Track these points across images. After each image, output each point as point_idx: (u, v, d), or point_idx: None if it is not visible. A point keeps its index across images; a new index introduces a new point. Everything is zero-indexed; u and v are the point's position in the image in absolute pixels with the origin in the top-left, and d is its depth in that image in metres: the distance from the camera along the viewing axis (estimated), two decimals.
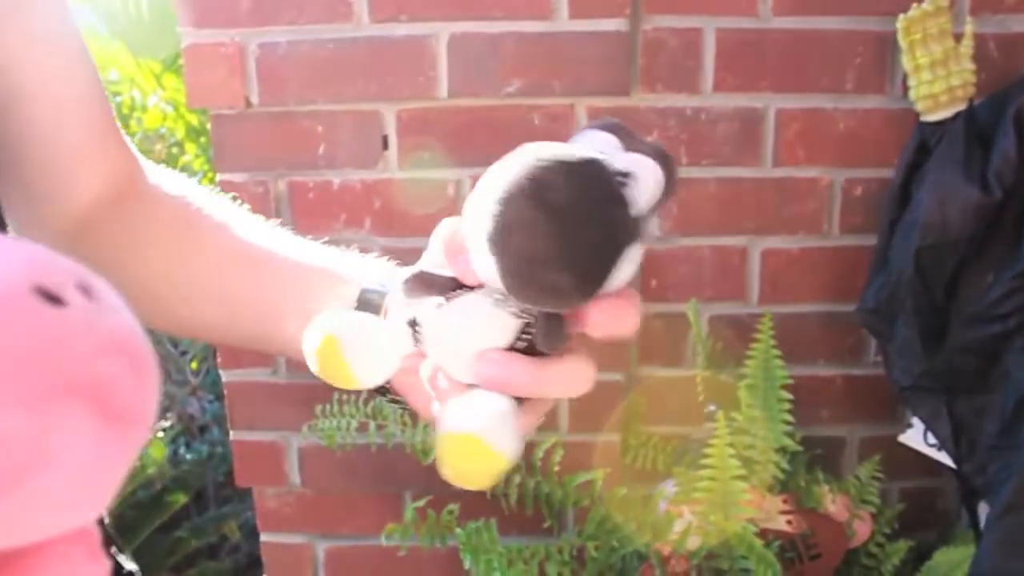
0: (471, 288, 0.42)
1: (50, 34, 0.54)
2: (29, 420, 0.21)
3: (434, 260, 0.45)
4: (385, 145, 1.32)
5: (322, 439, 1.34)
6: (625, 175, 0.38)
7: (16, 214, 0.56)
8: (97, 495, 0.24)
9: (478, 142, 1.31)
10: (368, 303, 0.50)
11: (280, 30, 1.28)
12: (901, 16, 1.20)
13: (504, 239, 0.37)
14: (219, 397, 2.20)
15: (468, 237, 0.39)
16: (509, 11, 1.26)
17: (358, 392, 1.36)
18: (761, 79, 1.30)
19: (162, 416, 2.16)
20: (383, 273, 0.52)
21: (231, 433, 1.47)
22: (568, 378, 0.42)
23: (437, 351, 0.42)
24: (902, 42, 1.20)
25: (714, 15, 1.28)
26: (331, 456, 1.42)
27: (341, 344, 0.41)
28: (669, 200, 0.40)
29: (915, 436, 1.31)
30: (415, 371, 0.44)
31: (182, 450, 2.18)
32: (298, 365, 1.39)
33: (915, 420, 1.30)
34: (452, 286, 0.42)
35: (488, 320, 0.41)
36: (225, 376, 1.44)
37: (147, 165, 0.61)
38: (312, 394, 1.39)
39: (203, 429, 2.23)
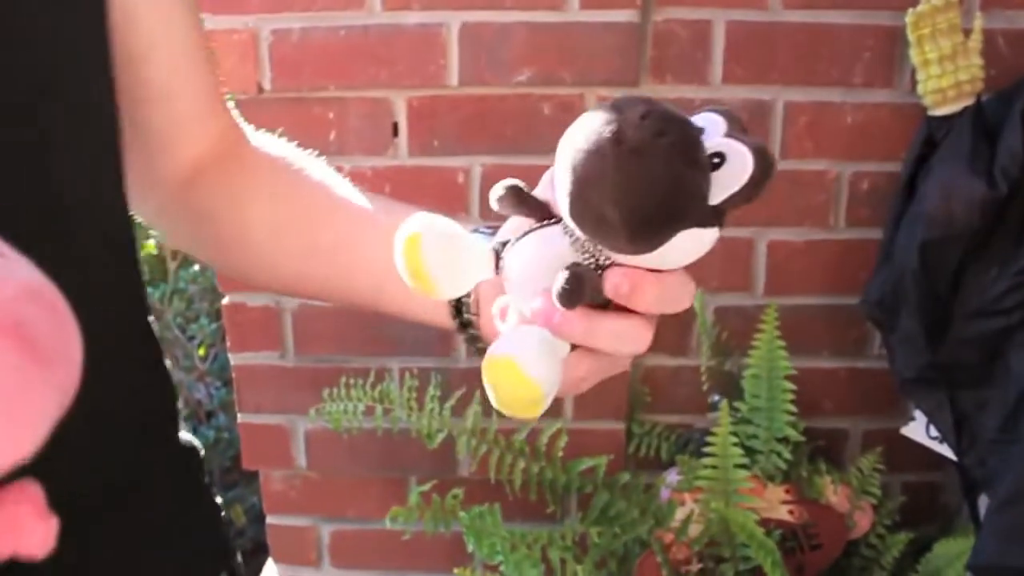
0: (557, 220, 0.42)
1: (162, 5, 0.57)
2: None
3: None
4: (395, 132, 1.33)
5: (329, 423, 1.35)
6: (718, 155, 0.38)
7: (130, 166, 0.59)
8: (25, 427, 0.25)
9: (488, 131, 1.32)
10: None
11: (293, 17, 1.29)
12: (910, 11, 1.20)
13: (573, 160, 0.38)
14: (226, 383, 2.22)
15: (556, 161, 0.40)
16: (521, 2, 1.26)
17: (365, 375, 1.37)
18: (770, 71, 1.31)
19: None
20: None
21: (239, 416, 1.49)
22: (619, 333, 0.42)
23: (509, 280, 0.43)
24: (911, 36, 1.21)
25: (724, 7, 1.29)
26: (337, 440, 1.43)
27: (424, 244, 0.42)
28: (753, 197, 0.39)
29: (917, 429, 1.32)
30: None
31: (189, 435, 2.19)
32: (306, 348, 1.40)
33: (917, 413, 1.31)
34: (542, 211, 0.43)
35: (557, 257, 0.41)
36: (233, 359, 1.46)
37: (248, 128, 0.65)
38: (319, 378, 1.41)
39: (210, 415, 2.25)
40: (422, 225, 0.42)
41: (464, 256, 0.43)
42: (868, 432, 1.47)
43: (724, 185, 0.38)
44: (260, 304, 1.42)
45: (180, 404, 2.17)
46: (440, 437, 1.33)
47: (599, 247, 0.41)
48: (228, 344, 1.45)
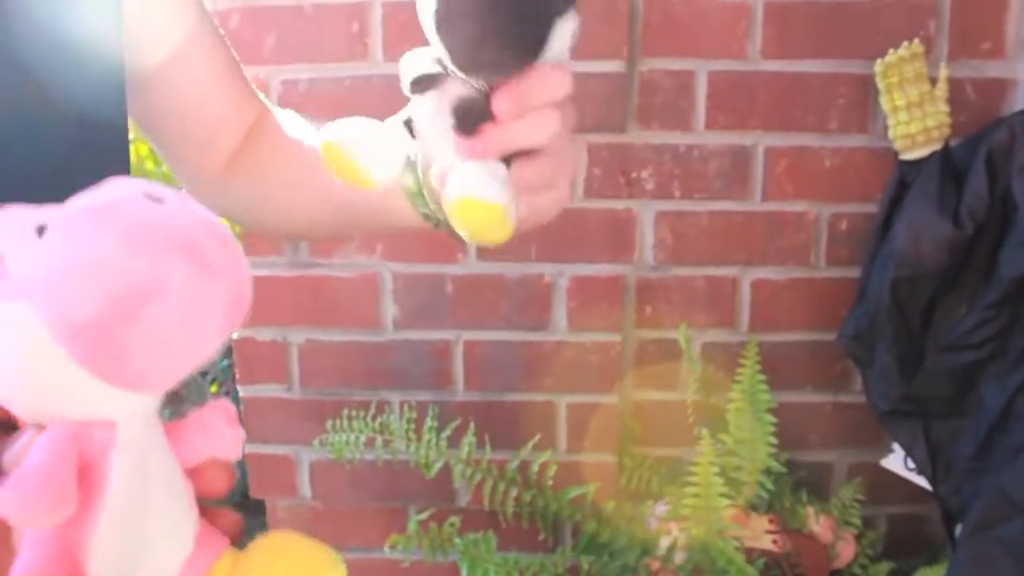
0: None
1: (185, 14, 0.66)
2: (145, 264, 0.30)
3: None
4: None
5: (332, 453, 1.41)
6: None
7: (174, 164, 0.70)
8: (201, 332, 0.32)
9: None
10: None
11: (302, 67, 1.38)
12: (878, 61, 1.27)
13: (446, 26, 0.43)
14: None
15: (423, 23, 0.44)
16: None
17: (366, 407, 1.44)
18: (751, 118, 1.38)
19: None
20: None
21: (245, 446, 1.55)
22: (530, 123, 0.47)
23: (426, 138, 0.48)
24: (880, 85, 1.28)
25: (706, 58, 1.36)
26: (340, 470, 1.49)
27: (342, 147, 0.48)
28: None
29: (896, 460, 1.36)
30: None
31: None
32: (311, 381, 1.47)
33: (896, 445, 1.36)
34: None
35: (452, 101, 0.46)
36: (242, 391, 1.52)
37: (270, 106, 0.74)
38: (323, 410, 1.47)
39: None
40: (334, 134, 0.48)
41: (381, 141, 0.48)
42: (853, 465, 1.51)
43: None
44: (268, 339, 1.49)
45: None
46: (437, 467, 1.38)
47: (481, 81, 0.45)
48: (237, 376, 1.52)
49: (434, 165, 0.49)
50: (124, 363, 0.31)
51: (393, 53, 1.36)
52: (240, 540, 0.39)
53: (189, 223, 0.32)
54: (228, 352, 2.33)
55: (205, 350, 0.32)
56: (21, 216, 0.32)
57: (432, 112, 0.47)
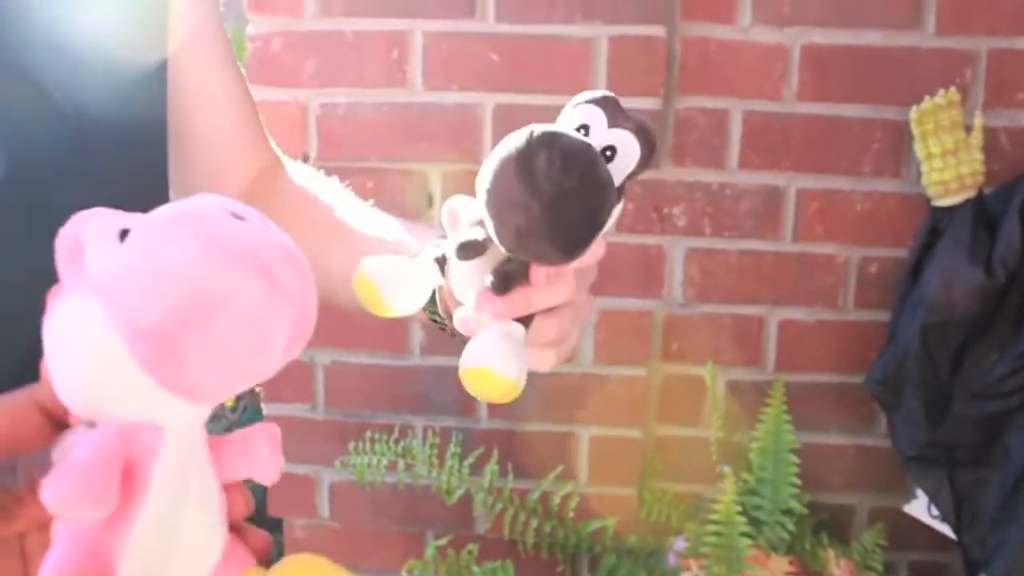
0: None
1: (206, 50, 0.66)
2: (218, 275, 0.31)
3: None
4: (430, 203, 1.42)
5: (353, 475, 1.42)
6: (609, 148, 0.46)
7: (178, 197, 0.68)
8: (262, 349, 0.33)
9: None
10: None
11: (341, 92, 1.40)
12: (914, 107, 1.28)
13: (501, 214, 0.45)
14: None
15: (479, 204, 0.46)
16: (550, 86, 1.36)
17: (389, 430, 1.44)
18: (784, 159, 1.39)
19: None
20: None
21: None
22: (553, 290, 0.49)
23: (457, 285, 0.50)
24: (915, 131, 1.28)
25: (742, 98, 1.37)
26: (360, 492, 1.49)
27: (372, 278, 0.50)
28: (646, 169, 0.48)
29: (919, 507, 1.36)
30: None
31: None
32: (335, 402, 1.48)
33: (919, 491, 1.35)
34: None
35: (488, 262, 0.48)
36: (266, 409, 1.53)
37: (282, 158, 0.74)
38: (346, 431, 1.48)
39: None
40: (367, 264, 0.50)
41: (409, 276, 0.50)
42: (874, 509, 1.50)
43: (620, 169, 0.46)
44: (294, 358, 1.49)
45: None
46: (458, 494, 1.38)
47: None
48: (262, 394, 1.53)
49: (458, 309, 0.51)
50: (183, 370, 0.31)
51: (432, 82, 1.38)
52: (268, 559, 0.39)
53: (267, 243, 0.33)
54: None
55: (265, 369, 0.33)
56: (109, 219, 0.33)
57: (469, 266, 0.49)
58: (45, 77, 0.52)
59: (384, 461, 1.42)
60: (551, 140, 0.44)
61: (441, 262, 0.50)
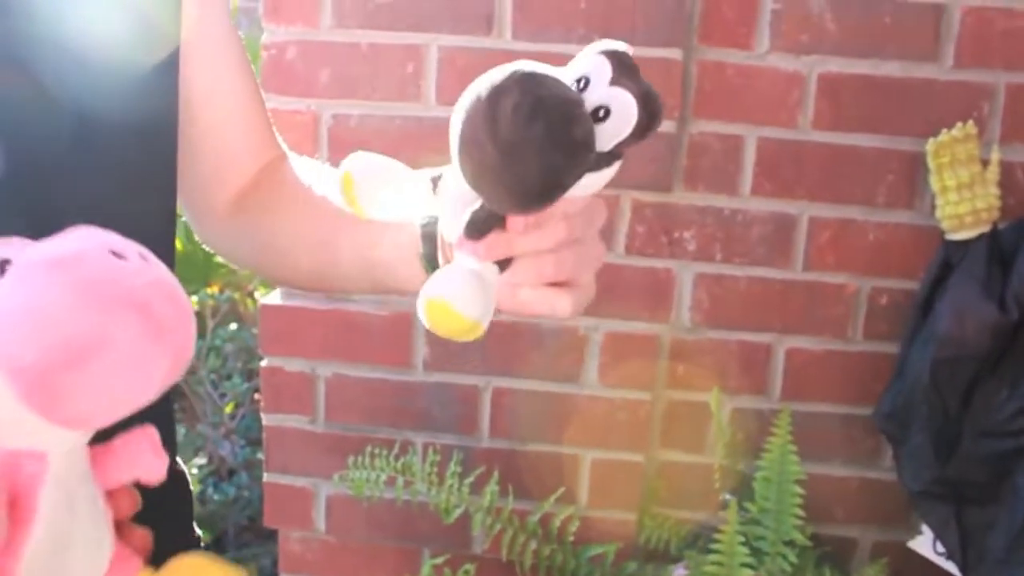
0: None
1: (214, 43, 0.66)
2: (96, 318, 0.31)
3: None
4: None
5: (351, 489, 1.40)
6: (603, 108, 0.43)
7: (187, 196, 0.68)
8: (141, 385, 0.33)
9: None
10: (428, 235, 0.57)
11: (354, 103, 1.39)
12: (931, 140, 1.27)
13: (460, 149, 0.42)
14: (251, 443, 2.27)
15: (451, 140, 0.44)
16: None
17: (390, 446, 1.43)
18: (797, 187, 1.38)
19: (195, 455, 2.24)
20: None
21: (265, 475, 1.54)
22: (536, 240, 0.47)
23: (444, 214, 0.48)
24: (931, 164, 1.27)
25: (757, 124, 1.36)
26: (357, 507, 1.48)
27: (352, 173, 0.48)
28: (645, 138, 0.44)
29: (924, 543, 1.34)
30: None
31: (210, 490, 2.24)
32: (336, 416, 1.46)
33: (925, 527, 1.34)
34: None
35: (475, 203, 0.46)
36: (266, 420, 1.52)
37: (289, 154, 0.74)
38: (346, 445, 1.46)
39: (232, 473, 2.30)
40: (354, 158, 0.48)
41: (396, 184, 0.48)
42: (877, 543, 1.48)
43: (613, 133, 0.43)
44: (297, 370, 1.48)
45: (204, 460, 2.23)
46: (457, 513, 1.37)
47: None
48: (262, 405, 1.52)
49: (446, 242, 0.49)
50: (63, 405, 0.32)
51: (446, 97, 1.37)
52: (150, 554, 0.40)
53: (145, 282, 0.33)
54: (250, 375, 2.33)
55: (145, 398, 0.34)
56: None
57: (454, 197, 0.47)
58: (48, 74, 0.52)
59: (383, 476, 1.40)
60: (527, 84, 0.41)
61: (436, 180, 0.48)
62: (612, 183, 1.42)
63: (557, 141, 0.41)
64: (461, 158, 0.43)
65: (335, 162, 1.45)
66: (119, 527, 0.39)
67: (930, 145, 1.28)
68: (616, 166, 0.45)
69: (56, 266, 0.32)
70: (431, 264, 0.55)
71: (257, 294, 2.25)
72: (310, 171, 0.72)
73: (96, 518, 0.36)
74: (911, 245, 1.37)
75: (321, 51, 1.39)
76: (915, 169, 1.35)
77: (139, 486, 0.59)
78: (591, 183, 0.45)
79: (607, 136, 0.43)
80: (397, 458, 1.40)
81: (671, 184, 1.38)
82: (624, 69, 0.43)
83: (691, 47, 1.35)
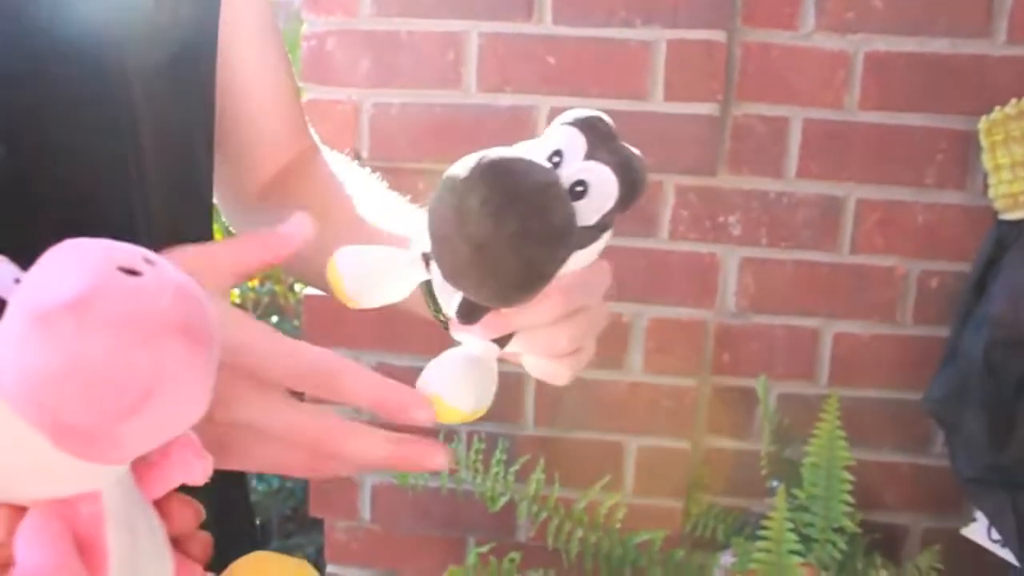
0: None
1: (258, 40, 0.66)
2: (144, 359, 0.29)
3: None
4: None
5: (395, 478, 1.40)
6: (580, 184, 0.40)
7: (219, 183, 0.68)
8: (196, 403, 0.32)
9: None
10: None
11: (394, 92, 1.39)
12: (983, 118, 1.24)
13: (432, 248, 0.40)
14: None
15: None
16: (608, 90, 1.34)
17: (434, 435, 1.43)
18: (844, 169, 1.35)
19: None
20: None
21: None
22: (529, 315, 0.44)
23: (438, 287, 0.45)
24: (984, 142, 1.25)
25: (802, 105, 1.34)
26: (402, 495, 1.48)
27: (339, 267, 0.46)
28: (629, 208, 0.41)
29: (979, 530, 1.31)
30: None
31: (254, 480, 2.26)
32: None
33: (979, 514, 1.31)
34: None
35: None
36: None
37: (317, 143, 0.74)
38: None
39: None
40: (340, 253, 0.46)
41: (387, 270, 0.46)
42: (928, 530, 1.46)
43: (595, 208, 0.41)
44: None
45: None
46: (502, 501, 1.36)
47: None
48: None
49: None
50: (121, 451, 0.31)
51: (487, 84, 1.36)
52: (210, 557, 0.39)
53: (171, 296, 0.31)
54: None
55: (201, 412, 0.32)
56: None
57: (441, 282, 0.44)
58: (90, 49, 0.51)
59: None
60: (495, 176, 0.38)
61: (428, 257, 0.45)
62: (655, 167, 1.40)
63: (533, 234, 0.38)
64: (435, 254, 0.41)
65: (376, 152, 1.46)
66: (177, 538, 0.38)
67: (983, 123, 1.25)
68: (607, 235, 0.42)
69: (79, 308, 0.29)
70: (430, 299, 0.53)
71: (297, 287, 2.26)
72: (340, 168, 0.71)
73: (154, 537, 0.36)
74: (962, 226, 1.35)
75: (360, 40, 1.39)
76: (966, 148, 1.32)
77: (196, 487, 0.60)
78: (581, 259, 0.42)
79: (589, 212, 0.41)
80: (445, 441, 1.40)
81: (715, 168, 1.36)
82: (598, 139, 0.41)
83: (735, 28, 1.33)
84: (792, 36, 1.33)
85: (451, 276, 0.40)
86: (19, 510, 0.32)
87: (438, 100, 1.38)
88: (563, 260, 0.41)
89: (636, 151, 0.43)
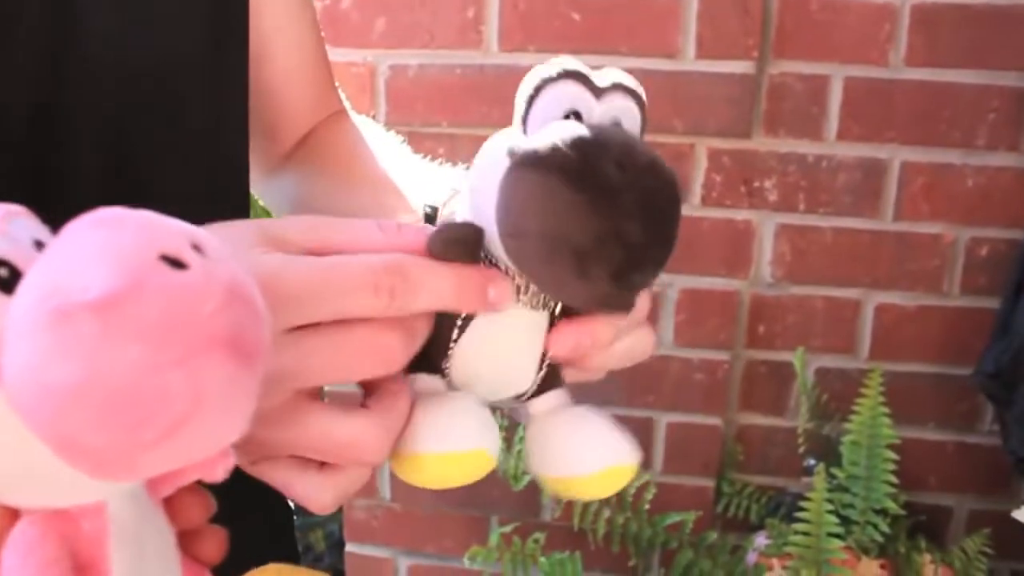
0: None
1: (289, 5, 0.64)
2: (184, 375, 0.24)
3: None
4: None
5: None
6: (616, 124, 0.35)
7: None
8: (237, 422, 0.26)
9: None
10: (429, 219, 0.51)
11: (411, 53, 1.33)
12: None
13: (529, 248, 0.33)
14: None
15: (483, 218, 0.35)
16: (636, 48, 1.27)
17: None
18: (888, 130, 1.28)
19: None
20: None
21: None
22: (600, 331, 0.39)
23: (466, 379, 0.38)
24: None
25: (844, 63, 1.27)
26: None
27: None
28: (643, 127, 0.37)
29: None
30: None
31: None
32: None
33: None
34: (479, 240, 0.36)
35: (526, 331, 0.37)
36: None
37: (344, 108, 0.71)
38: None
39: None
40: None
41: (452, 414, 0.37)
42: (975, 512, 1.39)
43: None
44: None
45: None
46: (526, 479, 1.32)
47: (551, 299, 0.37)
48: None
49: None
50: (133, 473, 0.25)
51: (509, 43, 1.30)
52: (223, 555, 0.35)
53: (219, 300, 0.25)
54: None
55: (239, 432, 0.27)
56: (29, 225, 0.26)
57: (491, 355, 0.38)
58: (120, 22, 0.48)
59: None
60: (598, 137, 0.32)
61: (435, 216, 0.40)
62: (687, 129, 1.33)
63: (669, 175, 0.32)
64: (530, 254, 0.33)
65: (393, 116, 1.40)
66: (184, 535, 0.33)
67: None
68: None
69: (107, 310, 0.23)
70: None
71: None
72: (365, 133, 0.68)
73: (162, 545, 0.31)
74: (1015, 190, 1.27)
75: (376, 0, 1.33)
76: (1020, 107, 1.24)
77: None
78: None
79: None
80: None
81: (750, 130, 1.29)
82: (589, 79, 0.36)
83: None
84: None
85: (617, 279, 0.32)
86: (11, 512, 0.28)
87: (458, 61, 1.32)
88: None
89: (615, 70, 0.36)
